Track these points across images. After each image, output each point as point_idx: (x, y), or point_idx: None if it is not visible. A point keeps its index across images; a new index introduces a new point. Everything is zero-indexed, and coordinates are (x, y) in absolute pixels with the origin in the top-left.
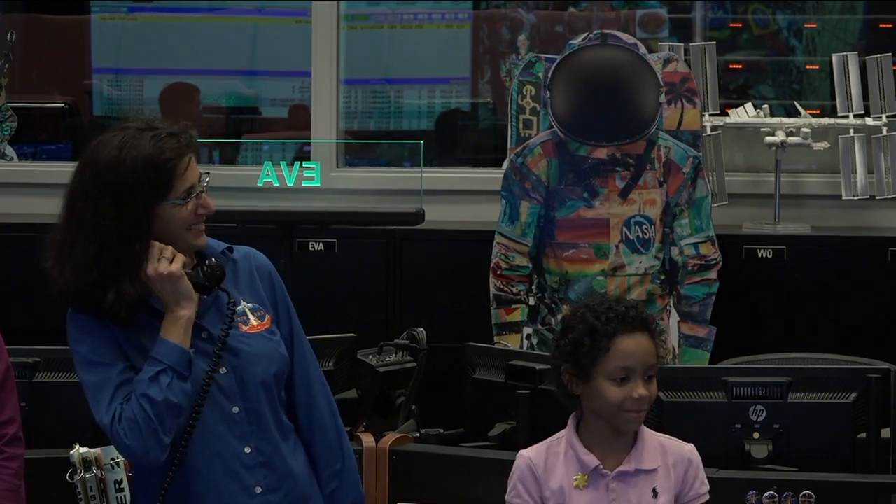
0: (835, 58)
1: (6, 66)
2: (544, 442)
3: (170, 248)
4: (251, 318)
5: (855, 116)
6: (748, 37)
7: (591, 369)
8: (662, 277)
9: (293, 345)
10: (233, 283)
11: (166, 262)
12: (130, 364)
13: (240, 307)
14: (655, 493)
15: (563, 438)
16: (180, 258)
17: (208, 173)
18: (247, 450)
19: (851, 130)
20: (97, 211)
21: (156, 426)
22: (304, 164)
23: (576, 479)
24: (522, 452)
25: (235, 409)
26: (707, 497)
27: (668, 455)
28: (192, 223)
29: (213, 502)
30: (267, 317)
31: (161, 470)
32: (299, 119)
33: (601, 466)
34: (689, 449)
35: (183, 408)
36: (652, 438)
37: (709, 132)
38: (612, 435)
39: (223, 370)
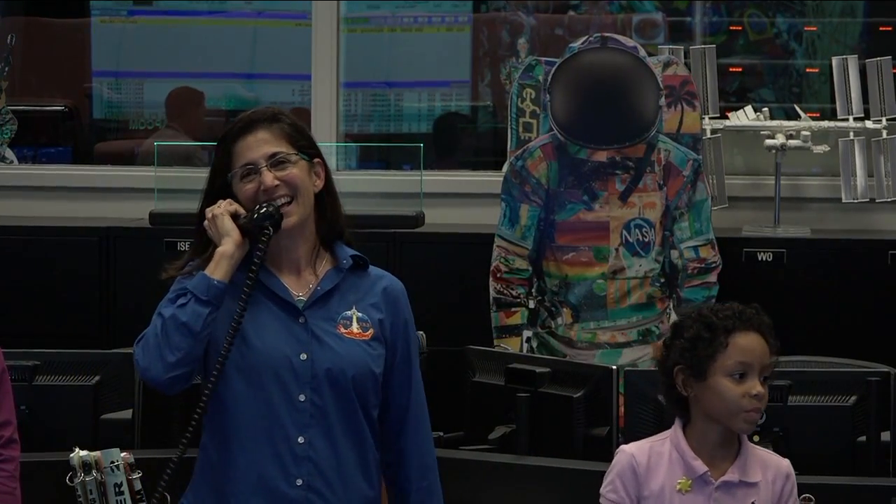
0: (835, 61)
1: (6, 69)
2: (646, 440)
3: (229, 199)
4: (354, 325)
5: (855, 119)
6: (744, 42)
7: (708, 366)
8: (662, 280)
9: (404, 372)
10: (352, 291)
11: (218, 208)
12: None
13: (349, 312)
14: None
15: (666, 439)
16: (234, 206)
17: (284, 154)
18: (300, 439)
19: (851, 133)
20: None
21: (160, 341)
22: None
23: (680, 483)
24: (624, 448)
25: (302, 398)
26: None
27: (769, 469)
28: (259, 200)
29: (250, 478)
30: (370, 330)
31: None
32: None
33: (708, 473)
34: (787, 464)
35: (193, 329)
36: (754, 451)
37: (709, 135)
38: (719, 442)
39: (303, 356)
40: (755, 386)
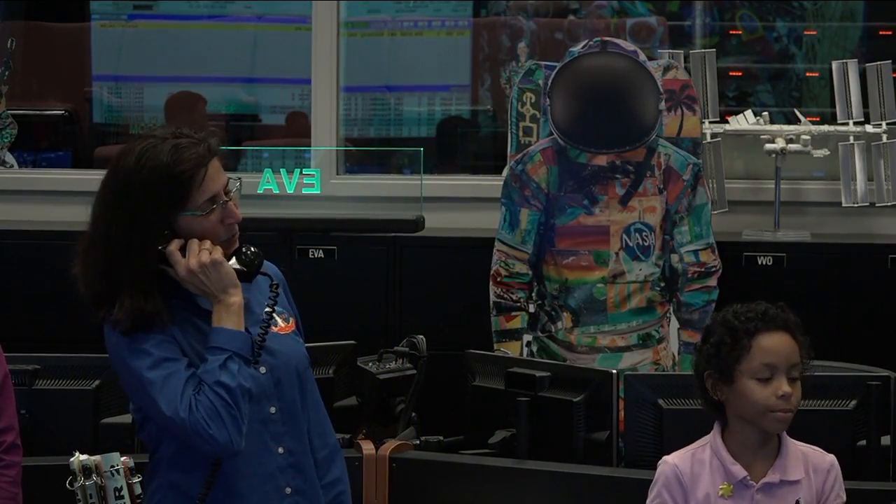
0: (834, 65)
1: (6, 73)
2: (687, 449)
3: (207, 241)
4: (279, 320)
5: (855, 124)
6: (737, 42)
7: (734, 370)
8: (662, 285)
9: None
10: (256, 290)
11: (207, 252)
12: (191, 361)
13: (269, 310)
14: None
15: (706, 445)
16: (218, 249)
17: (239, 179)
18: (280, 450)
19: (851, 138)
20: (111, 221)
21: (236, 412)
22: (304, 171)
23: (721, 489)
24: (667, 459)
25: (272, 410)
26: None
27: (809, 464)
28: (220, 234)
29: (253, 502)
30: (291, 319)
31: (198, 466)
32: (296, 126)
33: (748, 478)
34: (831, 459)
35: (254, 393)
36: (795, 448)
37: (709, 139)
38: (758, 443)
39: (263, 370)
40: (781, 386)
